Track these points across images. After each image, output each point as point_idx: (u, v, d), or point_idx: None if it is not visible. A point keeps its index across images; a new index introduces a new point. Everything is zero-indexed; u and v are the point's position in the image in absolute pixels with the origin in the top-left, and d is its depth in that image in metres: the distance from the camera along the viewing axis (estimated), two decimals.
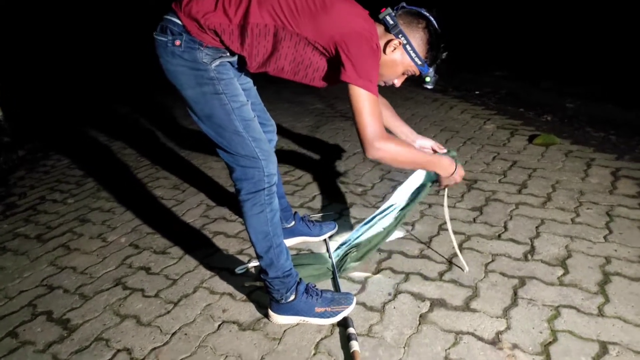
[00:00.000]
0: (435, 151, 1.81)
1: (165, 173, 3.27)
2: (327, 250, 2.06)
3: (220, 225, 2.43)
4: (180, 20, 1.40)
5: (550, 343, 1.42)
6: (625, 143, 2.94)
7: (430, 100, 4.45)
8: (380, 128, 1.39)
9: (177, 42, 1.40)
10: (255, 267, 2.00)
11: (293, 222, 2.12)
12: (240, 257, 2.10)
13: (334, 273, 1.88)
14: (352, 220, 2.31)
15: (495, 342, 1.46)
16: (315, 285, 1.70)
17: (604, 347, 1.39)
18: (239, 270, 1.99)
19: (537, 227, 2.06)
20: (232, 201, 2.71)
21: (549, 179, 2.52)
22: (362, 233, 1.93)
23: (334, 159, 3.20)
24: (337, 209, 2.46)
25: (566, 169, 2.62)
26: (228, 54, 1.46)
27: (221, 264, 2.06)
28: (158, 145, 3.93)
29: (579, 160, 2.72)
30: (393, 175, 2.80)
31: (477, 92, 4.58)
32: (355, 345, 1.45)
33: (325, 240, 2.15)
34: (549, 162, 2.73)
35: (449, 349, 1.45)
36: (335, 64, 1.40)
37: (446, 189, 1.79)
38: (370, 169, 2.94)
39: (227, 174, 3.07)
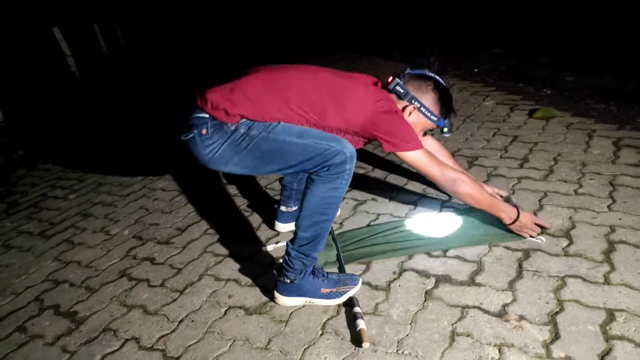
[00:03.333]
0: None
1: (166, 165, 3.26)
2: (331, 232, 2.06)
3: (224, 212, 2.42)
4: (206, 113, 1.49)
5: (557, 313, 1.42)
6: (625, 113, 2.91)
7: None
8: (445, 167, 1.61)
9: (204, 131, 1.48)
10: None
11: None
12: (245, 243, 2.10)
13: (337, 254, 1.88)
14: (354, 202, 2.30)
15: (501, 314, 1.46)
16: (321, 267, 1.70)
17: (610, 314, 1.38)
18: (269, 247, 2.03)
19: (540, 200, 2.05)
20: (237, 185, 2.70)
21: (551, 152, 2.50)
22: (375, 238, 1.97)
23: None
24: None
25: (567, 141, 2.60)
26: None
27: (226, 251, 2.07)
28: (158, 138, 3.92)
29: (580, 132, 2.69)
30: (393, 156, 2.77)
31: (475, 70, 4.54)
32: (361, 324, 1.46)
33: None
34: (550, 136, 2.71)
35: (455, 323, 1.45)
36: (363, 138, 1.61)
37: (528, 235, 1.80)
38: (372, 150, 2.92)
39: None
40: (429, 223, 2.00)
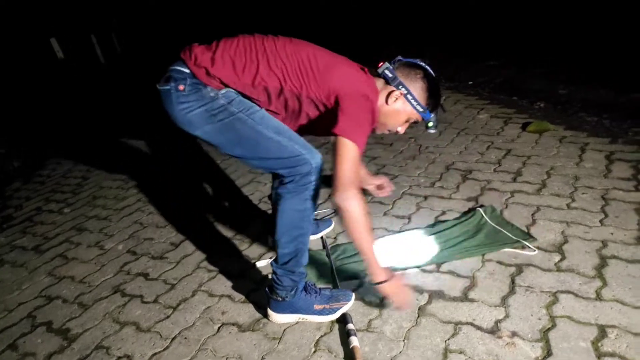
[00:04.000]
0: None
1: (161, 178, 3.26)
2: (324, 247, 2.06)
3: (218, 227, 2.42)
4: (188, 68, 1.44)
5: (549, 329, 1.42)
6: (618, 126, 2.93)
7: None
8: (356, 182, 1.41)
9: (181, 87, 1.43)
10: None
11: None
12: (239, 259, 2.10)
13: (331, 270, 1.88)
14: None
15: (494, 330, 1.46)
16: (314, 284, 1.70)
17: (602, 330, 1.39)
18: (262, 263, 2.02)
19: (532, 215, 2.06)
20: (229, 203, 2.71)
21: (544, 165, 2.52)
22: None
23: (327, 156, 3.18)
24: (333, 206, 2.45)
25: (560, 155, 2.62)
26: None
27: (219, 267, 2.06)
28: (152, 152, 3.92)
29: (573, 146, 2.71)
30: (388, 170, 2.79)
31: (470, 83, 4.57)
32: (355, 341, 1.45)
33: (322, 238, 2.15)
34: (543, 149, 2.73)
35: (449, 339, 1.45)
36: (331, 117, 1.45)
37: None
38: (365, 164, 2.93)
39: (225, 173, 3.08)
40: (423, 237, 2.00)
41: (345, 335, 1.51)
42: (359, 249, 1.44)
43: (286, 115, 1.56)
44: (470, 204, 2.24)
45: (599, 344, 1.34)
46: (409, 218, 2.22)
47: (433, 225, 2.11)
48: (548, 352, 1.34)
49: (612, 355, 1.30)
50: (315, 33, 1.50)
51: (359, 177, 1.46)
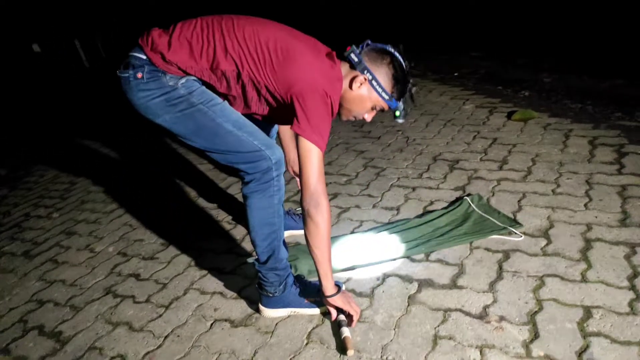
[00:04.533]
0: None
1: (148, 179, 3.26)
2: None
3: (208, 225, 2.43)
4: (145, 54, 1.40)
5: (536, 312, 1.45)
6: (601, 112, 2.98)
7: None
8: (324, 185, 1.40)
9: (139, 75, 1.40)
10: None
11: None
12: (229, 256, 2.11)
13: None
14: (337, 210, 2.32)
15: (482, 316, 1.48)
16: (304, 277, 1.71)
17: (587, 311, 1.42)
18: (250, 260, 2.01)
19: (519, 201, 2.09)
20: (217, 200, 2.71)
21: (529, 153, 2.55)
22: (359, 245, 1.99)
23: None
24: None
25: (545, 142, 2.65)
26: (192, 76, 1.44)
27: (210, 265, 2.07)
28: (138, 153, 3.91)
29: (557, 133, 2.75)
30: (376, 163, 2.81)
31: (455, 74, 4.60)
32: (346, 332, 1.47)
33: None
34: (528, 137, 2.76)
35: (438, 326, 1.47)
36: (290, 109, 1.42)
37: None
38: (354, 158, 2.95)
39: (211, 173, 3.07)
40: (411, 227, 2.02)
41: (336, 326, 1.53)
42: (316, 260, 1.45)
43: (248, 102, 1.51)
44: (458, 193, 2.27)
45: (585, 325, 1.37)
46: (398, 209, 2.24)
47: (421, 215, 2.13)
48: (535, 335, 1.37)
49: (597, 334, 1.33)
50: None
51: (324, 181, 1.41)
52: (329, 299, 1.49)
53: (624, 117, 2.83)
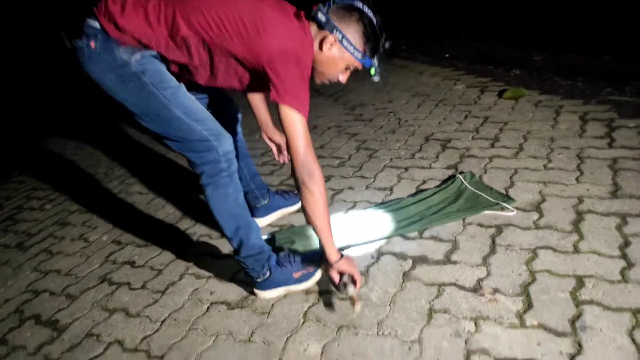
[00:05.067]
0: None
1: (140, 169, 3.24)
2: None
3: (200, 211, 2.42)
4: (98, 22, 1.33)
5: (529, 284, 1.46)
6: (591, 88, 2.98)
7: (400, 68, 4.45)
8: (313, 153, 1.37)
9: (92, 44, 1.32)
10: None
11: (268, 199, 2.13)
12: (224, 241, 2.10)
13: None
14: (331, 192, 2.32)
15: (476, 289, 1.49)
16: (286, 254, 1.70)
17: (580, 280, 1.43)
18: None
19: (511, 177, 2.09)
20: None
21: (520, 130, 2.55)
22: (353, 225, 1.99)
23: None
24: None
25: (536, 119, 2.66)
26: (148, 50, 1.36)
27: (205, 249, 2.07)
28: (129, 144, 3.88)
29: (548, 109, 2.75)
30: (369, 145, 2.81)
31: (446, 55, 4.59)
32: (352, 290, 1.43)
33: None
34: (519, 114, 2.77)
35: (433, 300, 1.49)
36: (261, 77, 1.37)
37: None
38: (346, 141, 2.95)
39: None
40: (404, 206, 2.03)
41: (342, 287, 1.46)
42: (317, 230, 1.42)
43: (214, 71, 1.44)
44: (450, 172, 2.27)
45: (577, 294, 1.38)
46: (391, 189, 2.24)
47: (414, 194, 2.14)
48: (529, 305, 1.38)
49: (589, 302, 1.34)
50: None
51: (311, 148, 1.37)
52: (335, 265, 1.45)
53: (614, 92, 2.84)
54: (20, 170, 3.82)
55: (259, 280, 1.63)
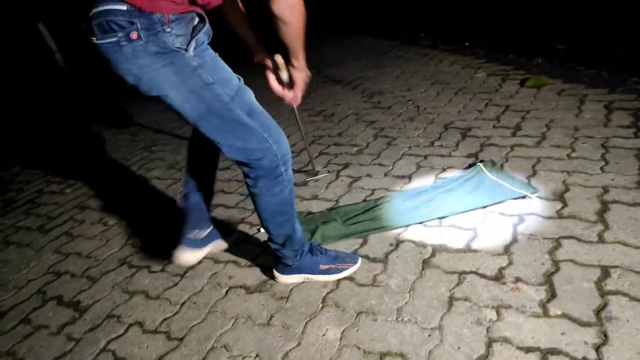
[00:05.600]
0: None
1: (160, 154, 3.26)
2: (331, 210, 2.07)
3: (219, 197, 2.43)
4: (123, 3, 1.10)
5: (552, 273, 1.44)
6: (616, 77, 2.90)
7: (419, 56, 4.39)
8: None
9: (134, 35, 1.11)
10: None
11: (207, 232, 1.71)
12: (242, 226, 2.11)
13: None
14: (349, 180, 2.31)
15: (498, 277, 1.47)
16: (319, 244, 1.71)
17: (605, 271, 1.40)
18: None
19: (533, 166, 2.06)
20: (227, 173, 2.70)
21: (543, 119, 2.50)
22: (372, 212, 1.97)
23: (326, 123, 3.18)
24: (334, 169, 2.45)
25: (559, 108, 2.60)
26: (197, 19, 1.24)
27: (224, 234, 2.07)
28: (150, 127, 3.91)
29: (571, 98, 2.69)
30: (387, 132, 2.78)
31: (466, 44, 4.51)
32: (285, 76, 1.54)
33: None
34: (542, 103, 2.71)
35: (453, 288, 1.47)
36: None
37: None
38: (364, 129, 2.93)
39: None
40: (424, 194, 2.01)
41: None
42: (293, 49, 1.33)
43: None
44: (470, 160, 2.24)
45: (603, 284, 1.36)
46: (410, 177, 2.22)
47: (434, 182, 2.11)
48: (552, 295, 1.36)
49: (615, 293, 1.32)
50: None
51: None
52: (296, 67, 1.39)
53: (639, 81, 2.76)
54: (38, 156, 3.87)
55: (288, 266, 1.61)
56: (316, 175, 2.38)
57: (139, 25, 1.11)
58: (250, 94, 1.42)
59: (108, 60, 1.17)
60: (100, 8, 1.11)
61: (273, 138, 1.32)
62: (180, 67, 1.19)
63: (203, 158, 1.60)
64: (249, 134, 1.29)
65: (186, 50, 1.19)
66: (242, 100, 1.34)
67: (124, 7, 1.10)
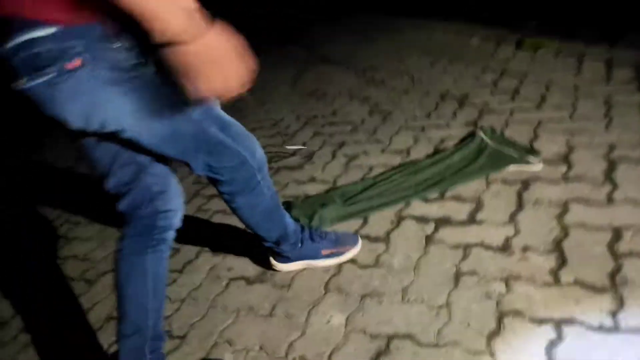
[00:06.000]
0: None
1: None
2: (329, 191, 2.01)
3: (212, 189, 2.37)
4: (45, 23, 0.83)
5: (562, 239, 1.38)
6: (614, 33, 2.80)
7: (412, 27, 4.27)
8: None
9: (76, 62, 0.86)
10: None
11: None
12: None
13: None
14: (345, 159, 2.24)
15: (505, 248, 1.42)
16: (317, 228, 1.65)
17: (617, 232, 1.34)
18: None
19: (534, 129, 1.98)
20: None
21: (541, 81, 2.42)
22: (371, 190, 1.91)
23: (319, 102, 3.10)
24: (329, 149, 2.38)
25: (558, 69, 2.51)
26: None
27: (220, 227, 2.02)
28: None
29: (570, 58, 2.60)
30: (382, 107, 2.70)
31: (460, 12, 4.39)
32: None
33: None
34: (540, 65, 2.63)
35: (459, 263, 1.42)
36: None
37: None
38: (359, 105, 2.84)
39: None
40: (423, 168, 1.94)
41: None
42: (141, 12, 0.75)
43: None
44: (469, 129, 2.16)
45: (615, 246, 1.30)
46: (408, 151, 2.15)
47: (432, 155, 2.04)
48: (563, 261, 1.30)
49: (629, 255, 1.26)
50: None
51: None
52: (177, 52, 0.80)
53: (638, 35, 2.66)
54: (30, 163, 3.82)
55: (290, 257, 1.55)
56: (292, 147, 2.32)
57: (78, 49, 0.86)
58: (216, 105, 1.17)
59: (42, 104, 0.91)
60: (18, 40, 0.83)
61: (246, 148, 1.19)
62: (140, 89, 0.95)
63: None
64: (223, 150, 1.15)
65: (145, 64, 0.95)
66: (211, 115, 1.12)
67: (52, 30, 0.83)
